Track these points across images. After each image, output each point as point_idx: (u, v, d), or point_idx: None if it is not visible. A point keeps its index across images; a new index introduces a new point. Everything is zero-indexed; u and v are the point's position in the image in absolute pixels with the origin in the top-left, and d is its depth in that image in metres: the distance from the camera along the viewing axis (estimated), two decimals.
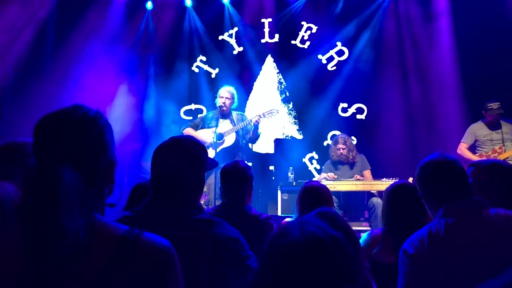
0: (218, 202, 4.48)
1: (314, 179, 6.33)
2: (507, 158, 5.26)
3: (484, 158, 5.31)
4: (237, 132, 5.25)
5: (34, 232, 0.91)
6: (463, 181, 1.75)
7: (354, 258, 0.87)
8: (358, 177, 5.38)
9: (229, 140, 5.23)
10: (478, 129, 5.50)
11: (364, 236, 2.39)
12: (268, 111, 5.27)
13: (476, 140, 5.51)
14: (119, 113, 6.23)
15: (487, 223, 1.62)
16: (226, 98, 5.31)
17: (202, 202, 5.30)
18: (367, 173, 5.56)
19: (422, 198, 1.83)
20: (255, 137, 5.37)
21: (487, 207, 1.68)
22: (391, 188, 2.34)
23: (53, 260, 0.91)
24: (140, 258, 0.98)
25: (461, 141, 5.58)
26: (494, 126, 5.41)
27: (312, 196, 2.67)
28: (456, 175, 1.75)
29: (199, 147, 1.67)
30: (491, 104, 5.35)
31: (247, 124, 5.24)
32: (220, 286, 1.53)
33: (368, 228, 4.96)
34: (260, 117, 5.19)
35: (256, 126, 5.19)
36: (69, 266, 0.93)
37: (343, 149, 5.51)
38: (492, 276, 1.47)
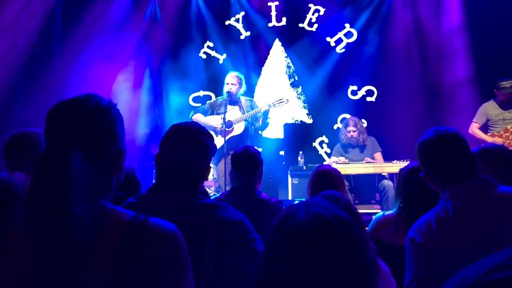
0: (228, 188, 4.50)
1: (324, 163, 6.31)
2: None
3: (496, 137, 5.25)
4: (246, 120, 5.24)
5: (41, 218, 0.90)
6: (465, 158, 1.62)
7: (361, 238, 0.86)
8: (369, 159, 5.34)
9: (239, 128, 5.23)
10: (490, 109, 5.41)
11: (376, 217, 2.37)
12: (277, 101, 5.23)
13: (488, 120, 5.42)
14: (126, 100, 6.26)
15: (496, 203, 1.52)
16: (232, 84, 5.28)
17: (213, 188, 5.32)
18: (378, 155, 5.51)
19: (425, 179, 1.71)
20: (264, 126, 5.36)
21: (495, 186, 1.57)
22: (408, 169, 2.27)
23: (63, 246, 0.91)
24: (148, 243, 0.98)
25: (473, 120, 5.50)
26: (506, 105, 5.31)
27: (325, 180, 2.66)
28: (456, 152, 1.62)
29: (205, 134, 1.68)
30: (503, 83, 5.22)
31: (256, 113, 5.22)
32: (227, 270, 1.54)
33: (379, 210, 4.94)
34: (270, 106, 5.16)
35: (265, 115, 5.17)
36: (79, 253, 0.93)
37: (354, 131, 5.46)
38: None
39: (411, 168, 2.25)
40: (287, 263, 0.84)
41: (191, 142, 1.62)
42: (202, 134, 1.65)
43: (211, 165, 5.46)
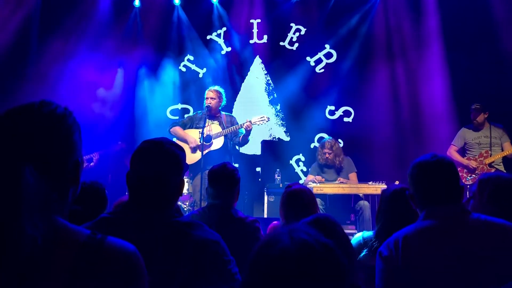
0: (204, 204, 4.43)
1: (300, 181, 6.31)
2: (492, 162, 5.33)
3: (472, 161, 5.40)
4: (225, 136, 5.20)
5: None
6: (450, 185, 1.69)
7: (345, 267, 0.83)
8: (342, 179, 5.37)
9: (217, 143, 5.18)
10: (468, 132, 5.59)
11: (357, 238, 2.36)
12: (259, 119, 5.23)
13: (465, 143, 5.58)
14: (104, 110, 6.15)
15: (465, 229, 1.59)
16: (212, 98, 5.26)
17: (187, 203, 5.23)
18: (353, 175, 5.55)
19: (410, 197, 1.79)
20: (244, 142, 5.33)
21: (469, 213, 1.65)
22: (391, 192, 2.30)
23: (10, 268, 0.83)
24: (103, 265, 0.92)
25: (452, 143, 5.67)
26: (478, 127, 5.48)
27: (296, 200, 2.63)
28: (444, 178, 1.70)
29: (177, 147, 1.63)
30: (473, 106, 5.46)
31: (237, 129, 5.19)
32: None
33: (355, 231, 4.95)
34: (251, 123, 5.14)
35: (248, 132, 5.15)
36: (29, 275, 0.86)
37: (329, 153, 5.50)
38: (464, 282, 1.46)
39: (393, 190, 2.26)
40: None
41: (163, 156, 1.56)
42: (174, 147, 1.61)
43: (186, 179, 5.34)
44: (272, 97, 7.04)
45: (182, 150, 1.64)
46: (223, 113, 5.40)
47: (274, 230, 0.91)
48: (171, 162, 1.58)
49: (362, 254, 2.15)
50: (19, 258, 0.83)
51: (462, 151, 5.64)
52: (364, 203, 5.06)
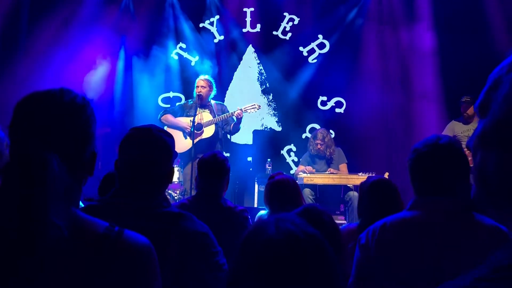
0: (194, 192, 4.43)
1: (291, 171, 6.33)
2: None
3: None
4: (216, 124, 5.19)
5: (13, 227, 0.81)
6: (445, 176, 1.52)
7: (331, 257, 0.83)
8: (332, 170, 5.39)
9: (208, 132, 5.16)
10: (457, 125, 5.61)
11: (344, 227, 2.37)
12: (250, 106, 5.21)
13: (454, 136, 5.60)
14: (92, 96, 6.08)
15: (445, 226, 1.45)
16: (202, 87, 5.24)
17: (177, 192, 5.23)
18: (343, 166, 5.57)
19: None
20: (235, 131, 5.32)
21: (465, 210, 1.48)
22: (369, 183, 2.30)
23: (32, 258, 0.82)
24: (121, 257, 0.93)
25: None
26: (468, 120, 5.52)
27: (280, 190, 2.63)
28: (438, 168, 1.52)
29: (166, 134, 1.62)
30: (464, 98, 5.48)
31: (228, 117, 5.17)
32: (187, 280, 1.50)
33: (344, 221, 4.99)
34: (242, 111, 5.13)
35: (239, 120, 5.13)
36: (51, 264, 0.86)
37: (321, 144, 5.51)
38: (433, 279, 1.38)
39: (371, 183, 2.27)
40: (255, 279, 0.80)
41: (152, 142, 1.55)
42: (162, 133, 1.60)
43: (176, 168, 5.30)
44: (264, 86, 7.02)
45: (171, 137, 1.63)
46: (213, 101, 5.38)
47: (261, 220, 0.92)
48: (160, 148, 1.56)
49: (349, 246, 2.16)
50: (44, 248, 0.83)
51: None
52: (354, 194, 5.08)
